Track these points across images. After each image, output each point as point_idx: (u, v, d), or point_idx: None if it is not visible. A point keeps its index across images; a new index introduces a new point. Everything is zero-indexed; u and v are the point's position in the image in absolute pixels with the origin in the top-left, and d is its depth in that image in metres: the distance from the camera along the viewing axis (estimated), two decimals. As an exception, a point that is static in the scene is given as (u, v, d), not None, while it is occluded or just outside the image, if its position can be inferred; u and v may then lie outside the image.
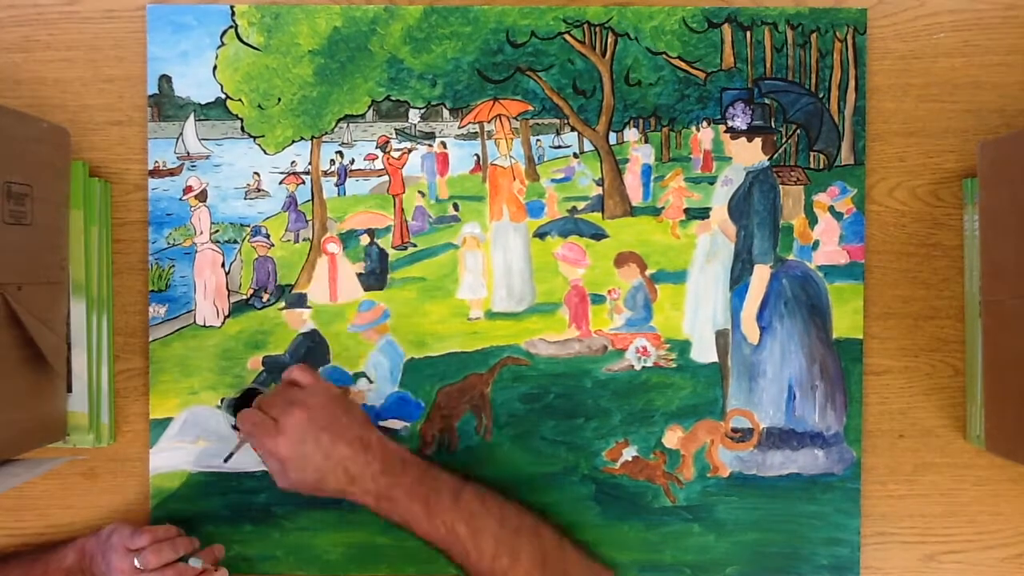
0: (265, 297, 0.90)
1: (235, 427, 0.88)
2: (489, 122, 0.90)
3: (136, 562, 0.80)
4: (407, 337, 0.90)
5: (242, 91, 0.90)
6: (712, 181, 0.90)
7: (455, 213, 0.90)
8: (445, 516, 0.77)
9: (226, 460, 0.85)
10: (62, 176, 0.84)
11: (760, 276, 0.89)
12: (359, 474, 0.77)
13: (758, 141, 0.90)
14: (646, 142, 0.90)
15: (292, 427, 0.77)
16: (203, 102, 0.89)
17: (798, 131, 0.90)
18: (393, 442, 0.81)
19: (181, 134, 0.90)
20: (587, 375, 0.89)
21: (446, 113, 0.90)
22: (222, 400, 0.89)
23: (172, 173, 0.90)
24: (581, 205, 0.90)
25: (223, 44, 0.89)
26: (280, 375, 0.89)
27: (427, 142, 0.90)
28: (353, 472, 0.77)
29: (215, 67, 0.89)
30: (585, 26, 0.89)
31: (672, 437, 0.89)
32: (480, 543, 0.76)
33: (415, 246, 0.90)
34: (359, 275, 0.90)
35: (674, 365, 0.89)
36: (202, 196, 0.90)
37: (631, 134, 0.90)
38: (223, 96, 0.90)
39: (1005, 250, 0.79)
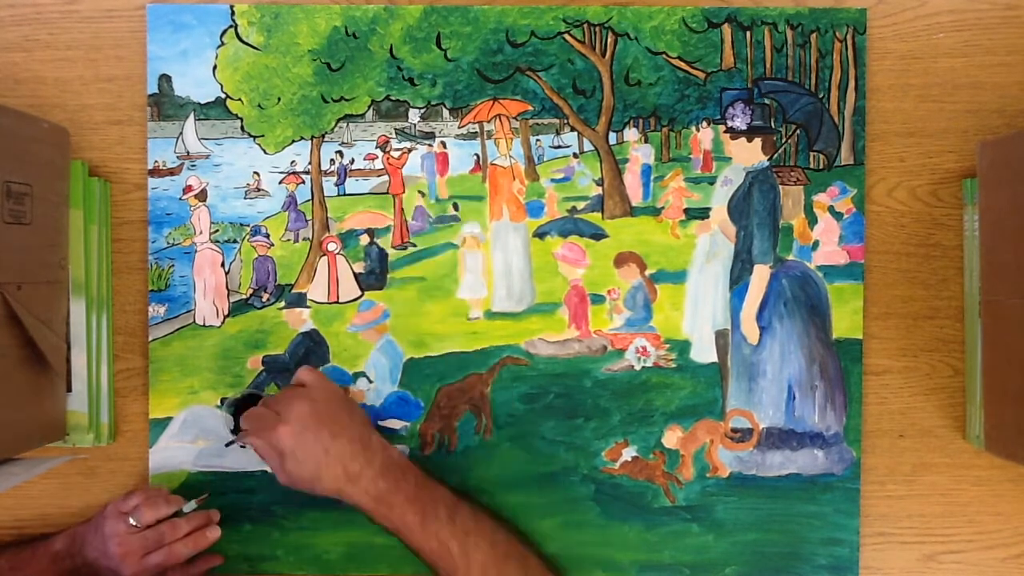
0: (265, 297, 0.90)
1: (233, 431, 0.88)
2: (489, 122, 0.90)
3: (131, 520, 0.80)
4: (407, 337, 0.90)
5: (242, 91, 0.90)
6: (712, 181, 0.90)
7: (455, 213, 0.90)
8: (440, 531, 0.77)
9: (227, 445, 0.86)
10: (62, 175, 0.84)
11: (760, 276, 0.89)
12: (357, 474, 0.77)
13: (758, 141, 0.90)
14: (646, 142, 0.90)
15: (294, 417, 0.77)
16: (203, 102, 0.89)
17: (798, 131, 0.90)
18: (392, 447, 0.82)
19: (181, 133, 0.90)
20: (587, 375, 0.89)
21: (446, 113, 0.90)
22: (222, 400, 0.89)
23: (172, 173, 0.90)
24: (581, 205, 0.90)
25: (223, 44, 0.89)
26: (280, 374, 0.89)
27: (427, 142, 0.90)
28: (352, 471, 0.77)
29: (215, 67, 0.89)
30: (585, 26, 0.89)
31: (672, 437, 0.89)
32: (470, 563, 0.77)
33: (415, 246, 0.91)
34: (359, 275, 0.90)
35: (674, 365, 0.89)
36: (202, 196, 0.90)
37: (631, 134, 0.90)
38: (223, 96, 0.90)
39: (1005, 250, 0.79)
